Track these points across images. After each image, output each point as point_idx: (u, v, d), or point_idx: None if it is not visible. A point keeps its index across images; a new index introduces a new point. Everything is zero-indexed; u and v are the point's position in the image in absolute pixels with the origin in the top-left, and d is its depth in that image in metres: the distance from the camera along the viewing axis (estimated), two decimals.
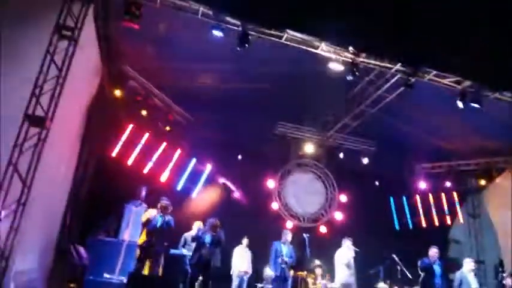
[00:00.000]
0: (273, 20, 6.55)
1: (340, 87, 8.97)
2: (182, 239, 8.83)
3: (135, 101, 8.92)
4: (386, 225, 12.28)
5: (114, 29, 7.07)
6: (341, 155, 11.91)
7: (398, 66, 7.37)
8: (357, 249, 8.83)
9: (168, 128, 9.61)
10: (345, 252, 8.88)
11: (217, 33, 6.58)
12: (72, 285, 7.22)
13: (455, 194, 12.54)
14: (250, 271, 9.62)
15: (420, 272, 8.07)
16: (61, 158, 6.76)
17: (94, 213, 8.77)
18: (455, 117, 8.90)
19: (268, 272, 8.83)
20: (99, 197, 8.76)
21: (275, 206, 11.81)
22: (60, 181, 7.03)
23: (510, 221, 10.97)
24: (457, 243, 12.68)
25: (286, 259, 8.50)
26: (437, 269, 8.03)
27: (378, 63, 7.40)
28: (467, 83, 7.39)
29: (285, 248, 8.78)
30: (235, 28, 6.63)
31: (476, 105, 7.46)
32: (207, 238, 7.80)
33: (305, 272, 8.99)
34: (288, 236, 8.83)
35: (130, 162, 9.74)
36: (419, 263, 8.17)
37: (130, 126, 9.68)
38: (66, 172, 7.34)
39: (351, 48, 6.99)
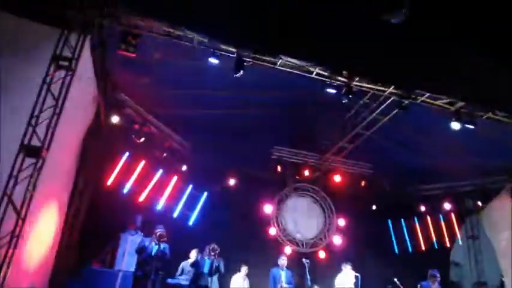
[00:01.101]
0: (267, 47, 6.66)
1: (336, 111, 9.04)
2: (180, 268, 8.68)
3: (132, 129, 8.92)
4: (385, 249, 12.17)
5: (111, 58, 7.15)
6: (338, 179, 11.89)
7: (391, 89, 7.48)
8: (357, 274, 8.72)
9: (164, 155, 9.54)
10: (345, 278, 8.78)
11: (213, 60, 6.68)
12: None
13: (453, 216, 12.48)
14: None
15: None
16: (56, 188, 6.69)
17: (90, 243, 8.61)
18: (450, 139, 8.96)
19: None
20: (94, 227, 8.63)
21: (273, 231, 11.67)
22: (55, 212, 6.93)
23: (509, 241, 10.93)
24: (457, 265, 12.54)
25: (285, 286, 8.37)
26: None
27: (371, 86, 7.50)
28: (460, 103, 7.49)
29: (283, 273, 8.65)
30: (231, 55, 6.73)
31: (470, 126, 7.55)
32: (206, 264, 7.72)
33: None
34: (284, 261, 8.74)
35: (126, 190, 9.64)
36: (418, 286, 8.41)
37: (126, 154, 9.64)
38: (61, 202, 7.24)
39: (344, 72, 7.10)
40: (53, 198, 6.75)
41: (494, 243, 11.58)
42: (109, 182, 9.44)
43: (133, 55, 6.30)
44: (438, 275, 8.62)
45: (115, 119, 8.49)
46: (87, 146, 8.09)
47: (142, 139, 8.93)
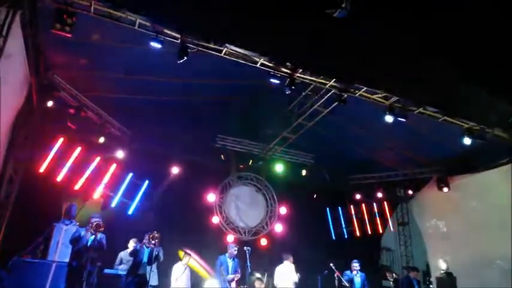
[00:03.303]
0: (212, 34, 6.59)
1: (279, 102, 9.19)
2: (118, 258, 8.48)
3: (66, 113, 8.41)
4: (323, 235, 12.67)
5: (44, 38, 6.70)
6: (280, 168, 12.14)
7: (332, 82, 7.73)
8: (297, 275, 9.10)
9: (102, 141, 9.11)
10: (285, 270, 9.11)
11: (155, 44, 6.47)
12: None
13: (385, 204, 13.26)
14: None
15: (345, 283, 9.10)
16: None
17: (20, 233, 8.09)
18: (385, 132, 9.49)
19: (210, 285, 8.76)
20: (25, 216, 8.11)
21: (216, 220, 11.71)
22: None
23: (434, 227, 11.87)
24: (389, 250, 13.39)
25: (231, 276, 8.47)
26: (357, 280, 9.31)
27: (313, 78, 7.70)
28: (394, 98, 7.93)
29: (231, 263, 8.72)
30: (174, 40, 6.57)
31: (402, 119, 8.03)
32: (145, 252, 7.58)
33: (246, 286, 8.95)
34: (234, 251, 8.82)
35: (60, 178, 9.15)
36: (343, 276, 9.20)
37: (61, 140, 9.13)
38: None
39: (288, 64, 7.22)
40: None
41: (422, 229, 12.51)
42: (41, 169, 8.91)
43: (69, 35, 5.93)
44: (358, 265, 9.49)
45: (48, 103, 7.98)
46: (17, 130, 7.55)
47: (78, 125, 8.45)
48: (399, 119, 8.03)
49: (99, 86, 8.25)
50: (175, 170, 10.95)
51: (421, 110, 8.20)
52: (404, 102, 8.02)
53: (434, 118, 8.42)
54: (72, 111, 8.35)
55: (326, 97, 8.49)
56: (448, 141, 9.53)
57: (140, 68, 7.60)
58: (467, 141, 8.58)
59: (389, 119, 8.01)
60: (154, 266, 7.73)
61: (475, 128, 8.51)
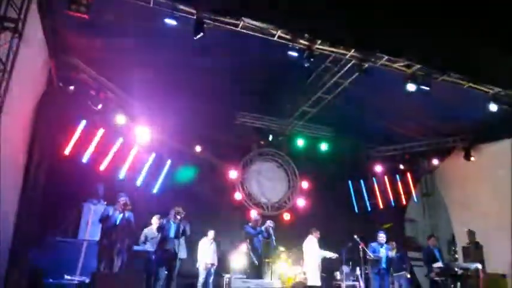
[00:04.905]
0: (228, 8, 6.48)
1: (298, 76, 9.03)
2: (142, 236, 8.68)
3: (87, 95, 8.50)
4: (346, 208, 12.66)
5: (62, 20, 6.71)
6: (301, 142, 12.08)
7: (352, 52, 7.54)
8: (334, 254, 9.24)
9: (123, 121, 9.17)
10: (312, 244, 9.21)
11: (170, 21, 6.40)
12: None
13: (409, 175, 13.11)
14: (216, 263, 9.64)
15: (371, 255, 9.13)
16: (8, 160, 6.36)
17: (51, 214, 8.39)
18: (407, 102, 9.25)
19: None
20: (55, 197, 8.39)
21: (238, 196, 11.83)
22: (9, 184, 6.64)
23: (460, 198, 11.68)
24: (412, 222, 13.30)
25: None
26: (383, 251, 9.20)
27: (332, 49, 7.52)
28: (417, 66, 7.69)
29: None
30: (190, 16, 6.49)
31: (426, 88, 7.80)
32: (172, 227, 7.74)
33: (271, 259, 9.11)
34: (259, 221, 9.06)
35: (85, 159, 9.37)
36: (368, 247, 9.19)
37: (83, 122, 9.29)
38: (15, 174, 6.93)
39: (306, 35, 7.06)
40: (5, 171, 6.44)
41: (446, 199, 12.35)
42: (67, 152, 9.12)
43: (86, 16, 5.91)
44: (384, 236, 9.42)
45: (69, 85, 8.07)
46: (41, 114, 7.70)
47: (100, 106, 8.55)
48: (422, 87, 7.81)
49: (117, 67, 8.26)
50: (198, 149, 11.06)
51: (445, 77, 7.95)
52: (427, 70, 7.78)
53: (459, 85, 8.16)
54: (92, 92, 8.43)
55: (346, 68, 8.29)
56: (473, 109, 9.23)
57: (158, 46, 7.55)
58: (493, 107, 8.33)
59: (411, 87, 7.79)
60: (182, 239, 7.91)
61: (501, 93, 8.22)
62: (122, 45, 7.52)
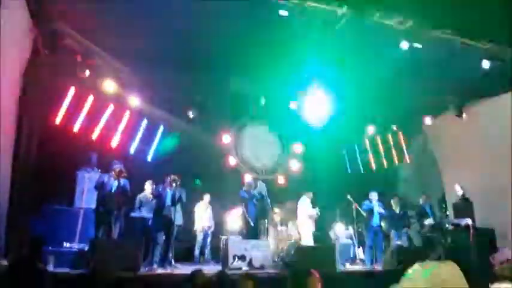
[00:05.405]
0: None
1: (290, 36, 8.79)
2: (137, 201, 8.70)
3: (74, 62, 8.23)
4: (339, 169, 12.78)
5: None
6: (293, 105, 11.98)
7: (344, 9, 7.34)
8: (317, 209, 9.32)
9: (112, 88, 8.96)
10: (305, 205, 9.34)
11: None
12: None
13: (401, 134, 13.16)
14: (213, 226, 9.80)
15: (363, 213, 9.32)
16: None
17: (45, 184, 8.36)
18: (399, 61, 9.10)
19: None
20: (48, 167, 8.34)
21: (232, 161, 11.87)
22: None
23: (451, 154, 11.82)
24: (405, 181, 13.50)
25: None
26: (376, 209, 9.36)
27: (324, 6, 7.31)
28: (410, 22, 7.54)
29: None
30: None
31: (418, 45, 7.70)
32: (168, 194, 7.80)
33: (266, 220, 9.26)
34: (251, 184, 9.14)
35: (76, 128, 9.25)
36: (361, 206, 9.37)
37: (72, 89, 9.09)
38: (4, 145, 6.81)
39: None
40: None
41: (438, 157, 12.50)
42: (57, 121, 9.00)
43: None
44: (377, 195, 9.55)
45: (54, 51, 7.79)
46: (27, 84, 7.50)
47: (87, 72, 8.31)
48: (415, 45, 7.71)
49: (105, 32, 7.97)
50: (190, 114, 10.93)
51: (439, 34, 7.82)
52: (421, 26, 7.63)
53: (452, 42, 8.04)
54: (79, 58, 8.16)
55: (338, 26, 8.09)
56: (465, 68, 9.15)
57: (148, 12, 7.26)
58: (485, 64, 8.28)
59: (404, 45, 7.69)
60: (178, 206, 7.98)
61: (494, 48, 8.15)
62: (112, 9, 7.21)
